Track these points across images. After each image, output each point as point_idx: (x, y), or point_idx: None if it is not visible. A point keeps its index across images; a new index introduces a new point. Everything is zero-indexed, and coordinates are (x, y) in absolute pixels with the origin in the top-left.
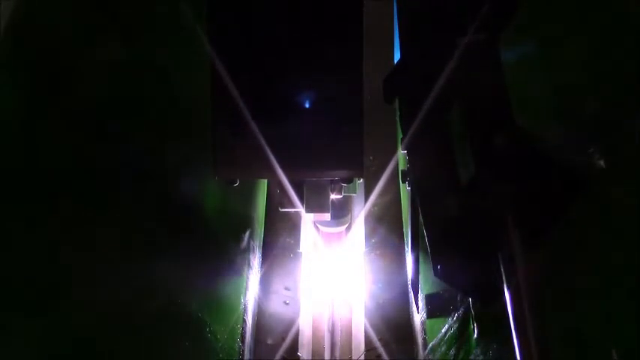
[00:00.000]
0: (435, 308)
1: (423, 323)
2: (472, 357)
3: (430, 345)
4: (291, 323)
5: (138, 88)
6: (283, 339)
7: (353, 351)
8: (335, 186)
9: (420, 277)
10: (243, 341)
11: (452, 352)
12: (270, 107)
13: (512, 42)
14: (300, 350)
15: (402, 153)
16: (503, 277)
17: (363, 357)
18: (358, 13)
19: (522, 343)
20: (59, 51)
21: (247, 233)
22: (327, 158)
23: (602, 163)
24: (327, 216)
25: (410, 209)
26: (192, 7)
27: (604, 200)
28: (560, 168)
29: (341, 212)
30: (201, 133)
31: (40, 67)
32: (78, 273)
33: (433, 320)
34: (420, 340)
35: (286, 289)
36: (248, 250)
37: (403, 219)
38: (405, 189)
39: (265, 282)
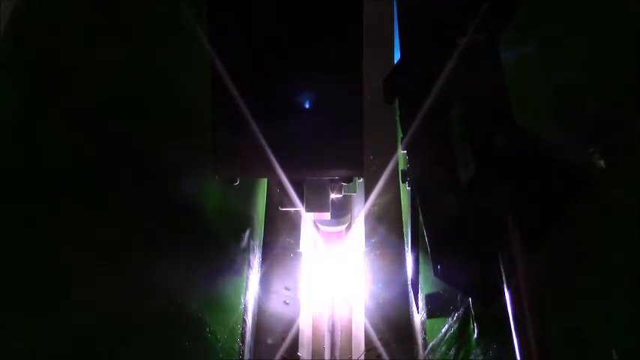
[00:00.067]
0: (435, 308)
1: (423, 323)
2: (472, 357)
3: (430, 345)
4: (291, 323)
5: (138, 88)
6: (283, 339)
7: (353, 351)
8: (335, 185)
9: (420, 277)
10: (243, 341)
11: (452, 352)
12: (270, 107)
13: (512, 42)
14: (300, 350)
15: (402, 153)
16: (503, 277)
17: (363, 357)
18: (358, 13)
19: (522, 343)
20: (59, 51)
21: (247, 233)
22: (327, 157)
23: (602, 163)
24: (327, 215)
25: (410, 209)
26: (192, 7)
27: (604, 200)
28: (560, 168)
29: (341, 211)
30: (201, 133)
31: (40, 67)
32: (78, 273)
33: (433, 320)
34: (420, 340)
35: (286, 288)
36: (248, 249)
37: (403, 219)
38: (405, 189)
39: (265, 282)
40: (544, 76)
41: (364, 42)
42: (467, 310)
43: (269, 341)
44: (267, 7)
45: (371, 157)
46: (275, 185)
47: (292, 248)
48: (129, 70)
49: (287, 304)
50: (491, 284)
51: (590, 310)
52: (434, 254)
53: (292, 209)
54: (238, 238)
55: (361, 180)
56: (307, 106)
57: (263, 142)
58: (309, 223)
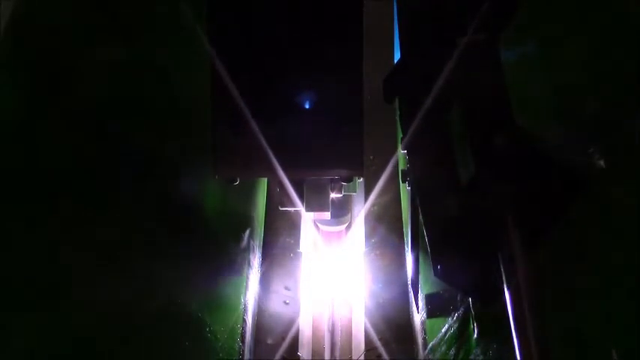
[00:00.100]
0: (435, 308)
1: (423, 323)
2: (472, 357)
3: (430, 345)
4: (291, 323)
5: (138, 88)
6: (283, 339)
7: (353, 351)
8: (335, 185)
9: (420, 277)
10: (243, 341)
11: (452, 352)
12: (270, 107)
13: (512, 42)
14: (300, 350)
15: (402, 153)
16: (503, 277)
17: (363, 357)
18: (358, 13)
19: (522, 343)
20: (59, 51)
21: (247, 233)
22: (327, 157)
23: (602, 163)
24: (327, 215)
25: (410, 209)
26: (192, 7)
27: (604, 200)
28: (560, 168)
29: (341, 211)
30: (201, 133)
31: (40, 67)
32: (78, 273)
33: (433, 320)
34: (420, 340)
35: (286, 288)
36: (248, 249)
37: (403, 219)
38: (405, 189)
39: (265, 282)
40: (544, 76)
41: (364, 42)
42: (467, 310)
43: (269, 341)
44: (267, 7)
45: (371, 157)
46: (275, 185)
47: (292, 248)
48: (129, 70)
49: (287, 304)
50: (491, 284)
51: (590, 310)
52: (434, 254)
53: (292, 209)
54: (238, 238)
55: (361, 179)
56: (307, 106)
57: (263, 141)
58: (309, 222)
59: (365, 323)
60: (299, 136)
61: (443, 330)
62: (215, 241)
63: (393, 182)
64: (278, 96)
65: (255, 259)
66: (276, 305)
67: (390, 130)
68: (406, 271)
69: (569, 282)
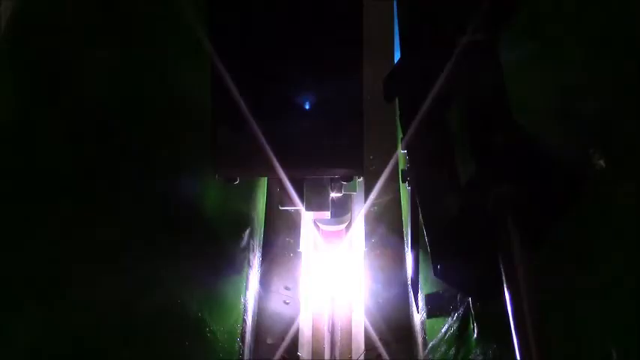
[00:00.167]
0: (435, 308)
1: (423, 323)
2: (472, 357)
3: (430, 345)
4: (291, 323)
5: (138, 88)
6: (283, 338)
7: (353, 351)
8: (335, 184)
9: (420, 276)
10: (243, 341)
11: (452, 352)
12: (270, 106)
13: (512, 42)
14: (300, 350)
15: (402, 153)
16: (503, 277)
17: (362, 357)
18: (358, 14)
19: (522, 343)
20: (59, 51)
21: (247, 232)
22: (328, 156)
23: (602, 163)
24: (327, 214)
25: (410, 209)
26: (192, 7)
27: (604, 200)
28: (560, 168)
29: (341, 210)
30: (201, 133)
31: (40, 67)
32: (78, 273)
33: (433, 320)
34: (420, 340)
35: (286, 288)
36: (248, 249)
37: (403, 219)
38: (405, 189)
39: (265, 281)
40: (544, 76)
41: (363, 42)
42: (467, 310)
43: (269, 341)
44: (268, 7)
45: (371, 157)
46: (275, 184)
47: (292, 248)
48: (129, 70)
49: (287, 303)
50: (491, 284)
51: (590, 310)
52: (434, 254)
53: (292, 208)
54: (238, 238)
55: (361, 179)
56: (307, 105)
57: (263, 141)
58: (309, 222)
59: (365, 323)
60: (299, 135)
61: (443, 330)
62: (215, 241)
63: (393, 182)
64: (278, 96)
65: (255, 259)
66: (276, 305)
67: (390, 130)
68: (406, 271)
69: (569, 282)
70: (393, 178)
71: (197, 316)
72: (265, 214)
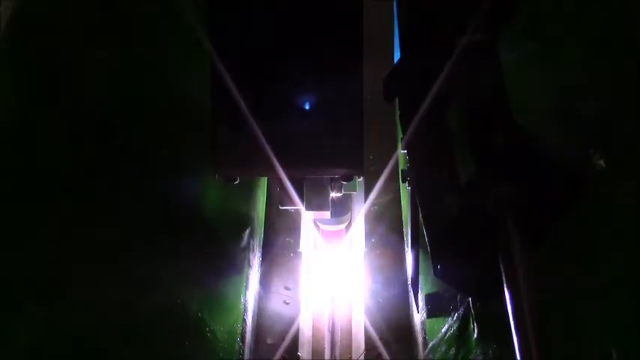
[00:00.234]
0: (435, 308)
1: (423, 323)
2: (472, 357)
3: (430, 345)
4: (291, 322)
5: (138, 88)
6: (283, 338)
7: (353, 351)
8: (335, 184)
9: (420, 276)
10: (243, 341)
11: (452, 352)
12: (270, 106)
13: (512, 42)
14: (300, 350)
15: (402, 153)
16: (503, 277)
17: (362, 357)
18: (358, 14)
19: (522, 343)
20: (59, 51)
21: (247, 232)
22: (328, 156)
23: (602, 163)
24: (327, 214)
25: (410, 209)
26: (192, 7)
27: (604, 200)
28: (560, 168)
29: (341, 210)
30: (201, 133)
31: (40, 67)
32: (78, 273)
33: (433, 320)
34: (420, 340)
35: (286, 288)
36: (248, 249)
37: (403, 218)
38: (405, 189)
39: (265, 281)
40: (544, 76)
41: (363, 42)
42: (467, 310)
43: (269, 341)
44: (268, 7)
45: (371, 157)
46: (275, 184)
47: (292, 248)
48: (129, 70)
49: (287, 303)
50: (491, 284)
51: (590, 310)
52: (434, 254)
53: (292, 208)
54: (238, 238)
55: (361, 179)
56: (307, 105)
57: (263, 141)
58: (309, 222)
59: (365, 323)
60: (299, 135)
61: (443, 330)
62: (215, 241)
63: (393, 182)
64: (278, 96)
65: (255, 259)
66: (276, 305)
67: (390, 130)
68: (406, 271)
69: (569, 282)
70: (393, 178)
71: (197, 316)
72: (265, 214)
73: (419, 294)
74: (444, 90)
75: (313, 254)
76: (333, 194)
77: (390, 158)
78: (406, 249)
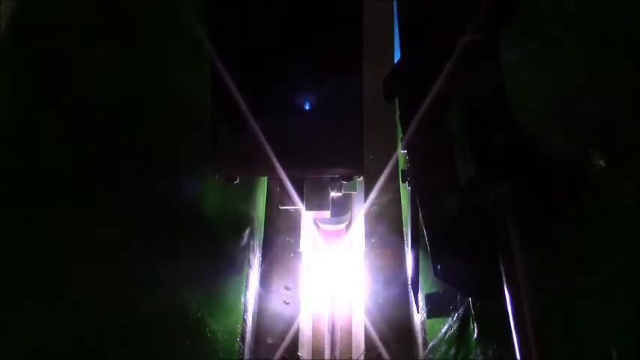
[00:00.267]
0: (435, 308)
1: (423, 323)
2: (472, 357)
3: (430, 345)
4: (291, 322)
5: (138, 88)
6: (283, 338)
7: (353, 351)
8: (335, 184)
9: (420, 276)
10: (243, 341)
11: (452, 352)
12: (270, 106)
13: (512, 42)
14: (300, 350)
15: (402, 153)
16: (503, 277)
17: (363, 357)
18: (358, 14)
19: (522, 343)
20: (59, 51)
21: (247, 232)
22: (328, 156)
23: (602, 163)
24: (327, 214)
25: (410, 209)
26: (192, 7)
27: (604, 200)
28: (560, 168)
29: (341, 210)
30: (201, 133)
31: (40, 67)
32: (78, 273)
33: (433, 320)
34: (420, 340)
35: (286, 288)
36: (248, 249)
37: (403, 218)
38: (405, 189)
39: (265, 281)
40: (544, 76)
41: (363, 42)
42: (467, 310)
43: (269, 341)
44: (267, 7)
45: (371, 157)
46: (275, 184)
47: (292, 248)
48: (129, 70)
49: (287, 303)
50: (491, 284)
51: (590, 310)
52: (434, 254)
53: (292, 208)
54: (238, 238)
55: (361, 179)
56: (307, 105)
57: (263, 141)
58: (309, 222)
59: (365, 323)
60: (299, 135)
61: (443, 330)
62: (215, 241)
63: (392, 182)
64: (278, 96)
65: (255, 259)
66: (276, 305)
67: (390, 130)
68: (406, 271)
69: (569, 282)
70: (393, 178)
71: (197, 316)
72: (265, 214)
73: (419, 294)
74: (444, 90)
75: (313, 254)
76: (333, 194)
77: (390, 158)
78: (406, 249)
